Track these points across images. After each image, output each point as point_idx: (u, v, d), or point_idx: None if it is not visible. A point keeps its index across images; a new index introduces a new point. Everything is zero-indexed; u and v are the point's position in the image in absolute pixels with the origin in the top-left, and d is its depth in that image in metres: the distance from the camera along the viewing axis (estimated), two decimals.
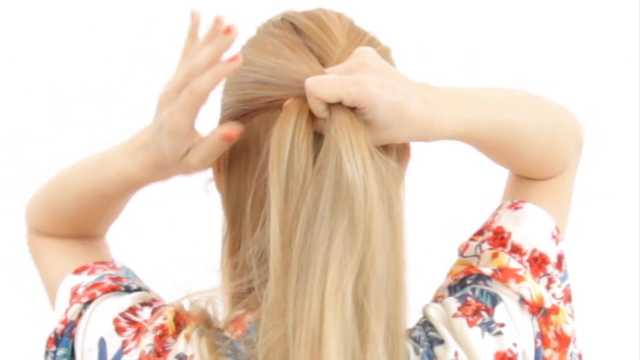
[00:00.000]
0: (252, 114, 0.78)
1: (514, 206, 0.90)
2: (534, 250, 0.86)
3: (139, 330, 0.80)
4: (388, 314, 0.72)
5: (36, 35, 1.79)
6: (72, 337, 0.84)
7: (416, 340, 0.81)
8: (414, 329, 0.83)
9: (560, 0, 1.85)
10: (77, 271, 0.91)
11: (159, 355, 0.78)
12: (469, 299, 0.83)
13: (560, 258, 0.88)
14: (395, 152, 0.79)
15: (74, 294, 0.87)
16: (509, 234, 0.87)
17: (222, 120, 0.82)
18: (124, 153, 0.85)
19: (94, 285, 0.86)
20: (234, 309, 0.80)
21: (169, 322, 0.80)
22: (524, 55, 1.84)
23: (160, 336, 0.79)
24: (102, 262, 0.92)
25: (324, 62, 0.76)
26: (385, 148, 0.76)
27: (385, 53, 0.80)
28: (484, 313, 0.82)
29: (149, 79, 1.73)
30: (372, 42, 0.80)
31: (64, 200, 0.93)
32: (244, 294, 0.78)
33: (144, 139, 0.82)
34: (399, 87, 0.73)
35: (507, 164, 0.91)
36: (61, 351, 0.84)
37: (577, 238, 1.67)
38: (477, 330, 0.80)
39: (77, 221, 0.95)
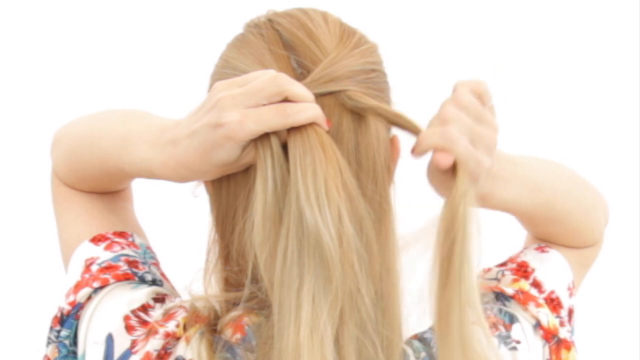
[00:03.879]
0: None
1: (541, 249, 0.93)
2: (552, 292, 0.89)
3: (150, 332, 0.80)
4: (382, 335, 0.73)
5: (36, 35, 1.79)
6: (77, 318, 0.83)
7: (425, 343, 0.81)
8: (425, 331, 0.83)
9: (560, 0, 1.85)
10: (94, 240, 0.88)
11: (161, 357, 0.78)
12: (488, 312, 0.84)
13: (570, 312, 0.91)
14: (383, 159, 0.78)
15: (88, 268, 0.86)
16: (533, 270, 0.90)
17: None
18: (150, 144, 0.80)
19: (109, 268, 0.85)
20: (230, 310, 0.79)
21: (180, 331, 0.79)
22: (523, 55, 1.84)
23: (169, 341, 0.79)
24: (121, 234, 0.90)
25: (307, 70, 0.76)
26: (362, 166, 0.76)
27: (373, 49, 0.80)
28: (502, 327, 0.83)
29: (149, 78, 1.74)
30: (361, 41, 0.79)
31: (88, 163, 0.89)
32: (241, 297, 0.78)
33: (172, 135, 0.77)
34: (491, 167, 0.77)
35: (539, 233, 0.94)
36: (65, 332, 0.83)
37: None
38: (494, 341, 0.81)
39: (99, 183, 0.92)
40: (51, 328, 0.85)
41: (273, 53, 0.77)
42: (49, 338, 0.85)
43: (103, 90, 1.75)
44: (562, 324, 0.87)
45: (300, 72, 0.76)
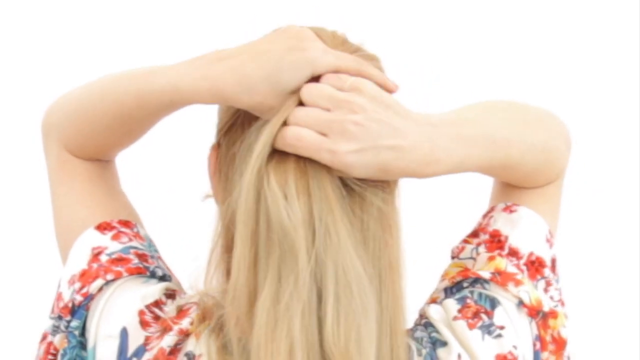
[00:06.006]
0: (246, 124, 0.79)
1: (509, 209, 0.91)
2: (531, 254, 0.87)
3: (165, 329, 0.80)
4: (376, 318, 0.75)
5: (37, 35, 1.79)
6: (87, 309, 0.83)
7: (419, 341, 0.82)
8: (415, 329, 0.84)
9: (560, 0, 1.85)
10: (100, 228, 0.88)
11: (171, 352, 0.79)
12: (468, 301, 0.84)
13: (553, 262, 0.89)
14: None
15: (95, 257, 0.85)
16: (506, 237, 0.88)
17: (219, 130, 0.83)
18: (184, 65, 0.79)
19: (120, 260, 0.85)
20: None
21: (194, 328, 0.80)
22: (523, 55, 1.84)
23: (182, 338, 0.80)
24: (126, 224, 0.90)
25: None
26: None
27: (374, 57, 0.82)
28: (483, 316, 0.82)
29: None
30: (362, 48, 0.81)
31: (100, 110, 0.87)
32: None
33: (218, 54, 0.78)
34: (385, 142, 0.74)
35: (502, 179, 0.93)
36: (75, 322, 0.83)
37: (576, 237, 1.67)
38: (477, 332, 0.81)
39: (106, 136, 0.90)
40: (60, 317, 0.84)
41: None
42: (56, 327, 0.85)
43: None
44: (548, 284, 0.87)
45: None
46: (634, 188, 1.85)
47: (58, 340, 0.84)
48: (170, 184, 1.65)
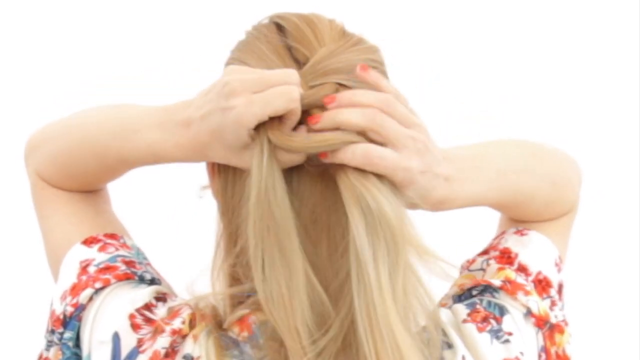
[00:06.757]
0: None
1: (520, 232, 0.93)
2: (539, 273, 0.88)
3: (157, 330, 0.80)
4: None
5: (38, 36, 1.79)
6: (79, 320, 0.83)
7: (424, 343, 0.82)
8: (422, 332, 0.83)
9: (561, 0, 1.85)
10: (87, 242, 0.89)
11: (167, 355, 0.79)
12: (477, 306, 0.84)
13: (560, 287, 0.90)
14: None
15: (84, 270, 0.86)
16: (516, 255, 0.89)
17: None
18: (158, 127, 0.80)
19: (107, 269, 0.85)
20: (236, 308, 0.79)
21: (186, 327, 0.80)
22: (523, 55, 1.84)
23: (176, 339, 0.80)
24: (112, 236, 0.90)
25: (304, 61, 0.76)
26: None
27: (374, 49, 0.80)
28: (492, 321, 0.83)
29: (149, 79, 1.74)
30: (362, 40, 0.80)
31: (83, 160, 0.89)
32: (247, 295, 0.78)
33: (185, 117, 0.77)
34: (434, 170, 0.76)
35: (512, 215, 0.94)
36: (68, 334, 0.83)
37: (577, 238, 1.66)
38: (486, 336, 0.82)
39: (90, 178, 0.92)
40: (53, 331, 0.84)
41: (270, 43, 0.78)
42: (50, 341, 0.85)
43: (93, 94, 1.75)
44: (553, 304, 0.87)
45: (296, 60, 0.76)
46: (634, 189, 1.85)
47: (52, 353, 0.85)
48: (167, 183, 1.64)
